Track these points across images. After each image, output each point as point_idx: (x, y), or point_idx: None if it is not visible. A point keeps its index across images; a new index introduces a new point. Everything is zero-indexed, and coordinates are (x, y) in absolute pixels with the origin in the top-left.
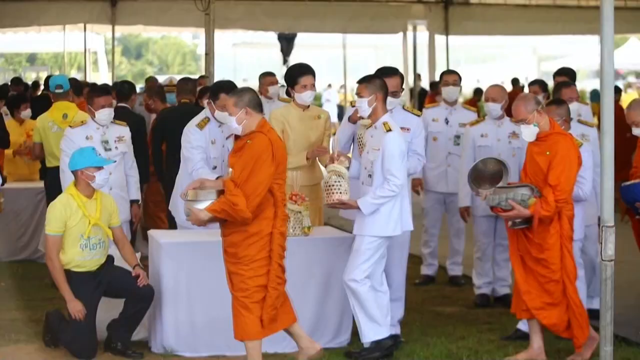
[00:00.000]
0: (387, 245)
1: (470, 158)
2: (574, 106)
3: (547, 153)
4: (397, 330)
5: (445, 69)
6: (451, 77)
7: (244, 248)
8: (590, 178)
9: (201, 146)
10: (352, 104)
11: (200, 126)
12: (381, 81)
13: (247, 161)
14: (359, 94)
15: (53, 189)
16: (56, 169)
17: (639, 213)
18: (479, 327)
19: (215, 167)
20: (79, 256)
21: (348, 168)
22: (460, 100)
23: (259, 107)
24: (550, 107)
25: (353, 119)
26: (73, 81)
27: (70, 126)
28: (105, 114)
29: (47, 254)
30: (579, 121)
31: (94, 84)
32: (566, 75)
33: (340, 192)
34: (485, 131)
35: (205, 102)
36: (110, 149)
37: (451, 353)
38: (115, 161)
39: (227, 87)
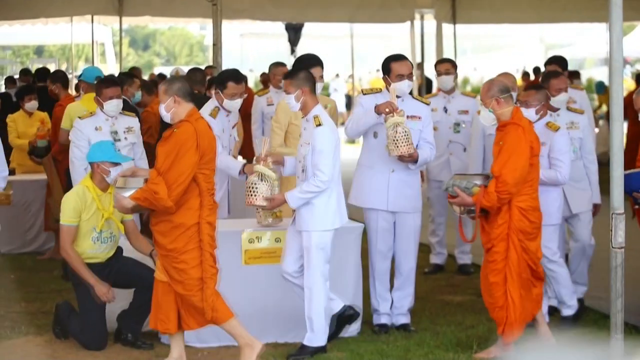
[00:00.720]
0: (380, 235)
1: (480, 147)
2: (562, 97)
3: (500, 143)
4: (407, 320)
5: (452, 58)
6: (443, 66)
7: (172, 240)
8: (567, 162)
9: (217, 135)
10: (364, 92)
11: (213, 115)
12: (305, 74)
13: (171, 150)
14: (285, 91)
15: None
16: None
17: (638, 203)
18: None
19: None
20: (90, 249)
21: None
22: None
23: (188, 96)
24: (530, 91)
25: (379, 110)
26: (61, 74)
27: (79, 117)
28: (114, 105)
29: (61, 245)
30: (569, 109)
31: (100, 79)
32: (557, 64)
33: (256, 195)
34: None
35: (212, 91)
36: (119, 140)
37: (461, 342)
38: (132, 159)
39: (234, 75)
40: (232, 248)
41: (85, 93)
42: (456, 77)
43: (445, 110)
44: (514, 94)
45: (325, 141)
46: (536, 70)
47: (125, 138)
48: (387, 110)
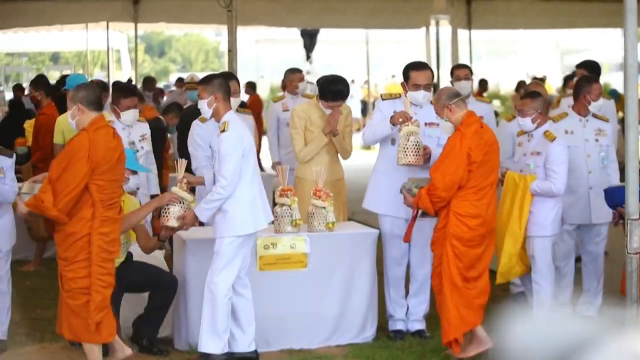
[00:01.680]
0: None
1: (508, 154)
2: (600, 102)
3: None
4: (422, 326)
5: (468, 63)
6: (463, 71)
7: (65, 248)
8: (563, 172)
9: (201, 144)
10: (383, 97)
11: (202, 120)
12: (220, 81)
13: (62, 159)
14: (199, 96)
15: None
16: None
17: (622, 217)
18: None
19: None
20: None
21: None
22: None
23: (93, 105)
24: (525, 100)
25: (393, 121)
26: (44, 80)
27: None
28: (131, 115)
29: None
30: (595, 115)
31: (116, 83)
32: (586, 68)
33: (168, 216)
34: (570, 127)
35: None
36: (137, 150)
37: None
38: (150, 170)
39: (228, 75)
40: None
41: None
42: (472, 82)
43: None
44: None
45: (227, 147)
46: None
47: (142, 147)
48: (400, 120)
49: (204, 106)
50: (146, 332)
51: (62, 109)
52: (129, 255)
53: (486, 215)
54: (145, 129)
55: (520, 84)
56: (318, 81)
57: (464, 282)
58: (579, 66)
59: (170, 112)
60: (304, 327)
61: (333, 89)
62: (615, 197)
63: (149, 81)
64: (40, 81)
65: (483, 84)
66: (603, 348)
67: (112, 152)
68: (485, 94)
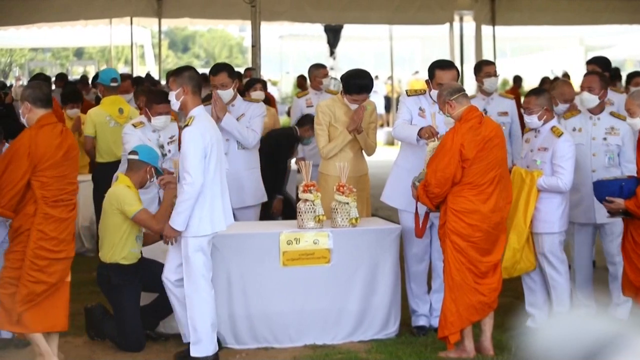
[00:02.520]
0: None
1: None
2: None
3: None
4: None
5: (492, 59)
6: (492, 67)
7: (11, 242)
8: (570, 168)
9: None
10: (409, 93)
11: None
12: (190, 73)
13: (5, 156)
14: (169, 87)
15: (102, 184)
16: (107, 165)
17: (609, 211)
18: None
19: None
20: (133, 247)
21: None
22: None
23: (40, 102)
24: (530, 97)
25: (421, 135)
26: (42, 76)
27: (134, 125)
28: (162, 121)
29: (149, 227)
30: (611, 113)
31: (150, 88)
32: (596, 64)
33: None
34: (578, 125)
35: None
36: (165, 154)
37: (500, 343)
38: (173, 173)
39: (212, 68)
40: (271, 249)
41: (104, 96)
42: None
43: (485, 112)
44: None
45: (188, 142)
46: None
47: (169, 150)
48: (427, 135)
49: (172, 98)
50: (148, 322)
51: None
52: (140, 252)
53: (485, 211)
54: (174, 130)
55: (545, 80)
56: (342, 76)
57: (471, 278)
58: (589, 62)
59: None
60: (327, 323)
61: (358, 83)
62: (603, 190)
63: None
64: (39, 77)
65: (517, 80)
66: (631, 348)
67: (56, 150)
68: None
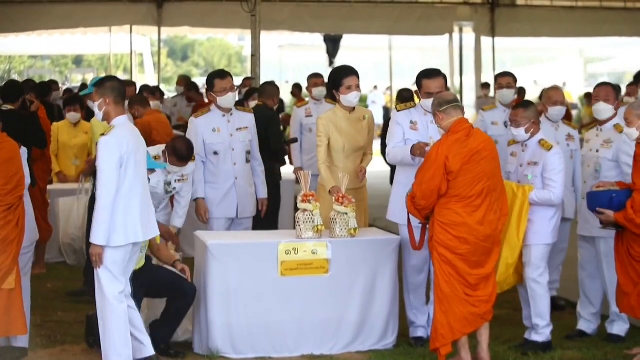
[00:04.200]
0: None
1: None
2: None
3: None
4: None
5: (491, 71)
6: (505, 79)
7: None
8: (561, 181)
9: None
10: (398, 108)
11: (197, 115)
12: (113, 83)
13: None
14: (92, 99)
15: None
16: None
17: (602, 222)
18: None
19: (216, 153)
20: None
21: None
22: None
23: None
24: (517, 110)
25: (413, 153)
26: (32, 83)
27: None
28: (176, 170)
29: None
30: (615, 126)
31: (179, 141)
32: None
33: None
34: (588, 137)
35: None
36: (170, 192)
37: (498, 355)
38: (166, 166)
39: (219, 73)
40: (269, 259)
41: None
42: (516, 90)
43: (506, 124)
44: (551, 108)
45: (101, 152)
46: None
47: (174, 188)
48: (419, 153)
49: (95, 109)
50: (161, 336)
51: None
52: (148, 259)
53: (473, 224)
54: (189, 169)
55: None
56: (328, 79)
57: (461, 290)
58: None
59: None
60: (325, 333)
61: (342, 70)
62: (594, 201)
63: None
64: (29, 84)
65: (522, 92)
66: None
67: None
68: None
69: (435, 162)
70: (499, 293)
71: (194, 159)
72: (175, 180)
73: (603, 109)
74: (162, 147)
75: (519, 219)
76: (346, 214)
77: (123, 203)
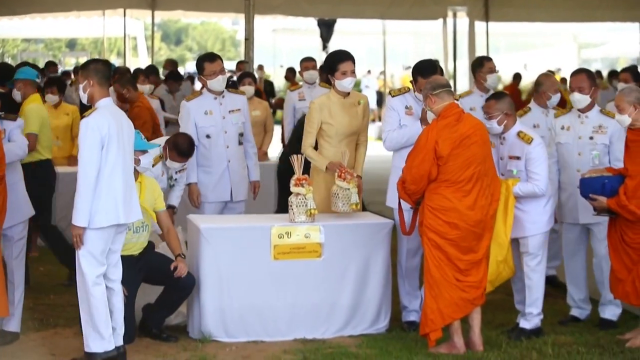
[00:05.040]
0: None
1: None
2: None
3: None
4: None
5: (485, 55)
6: (492, 63)
7: None
8: (545, 172)
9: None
10: (393, 94)
11: (188, 98)
12: (96, 65)
13: None
14: (79, 81)
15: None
16: (49, 161)
17: (595, 208)
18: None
19: (208, 136)
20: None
21: None
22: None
23: None
24: (489, 102)
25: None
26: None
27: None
28: (176, 166)
29: None
30: (601, 111)
31: (181, 137)
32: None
33: None
34: (567, 123)
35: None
36: (172, 185)
37: (490, 340)
38: (159, 145)
39: (208, 56)
40: (262, 243)
41: (29, 93)
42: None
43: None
44: (554, 96)
45: (84, 134)
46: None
47: (176, 180)
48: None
49: (80, 91)
50: (154, 321)
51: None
52: (150, 244)
53: (463, 209)
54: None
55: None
56: (323, 63)
57: (451, 275)
58: (623, 70)
59: None
60: (318, 317)
61: (337, 54)
62: (587, 188)
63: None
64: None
65: (517, 77)
66: None
67: None
68: (500, 87)
69: (425, 146)
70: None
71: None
72: (177, 172)
73: (577, 99)
74: (162, 141)
75: (505, 214)
76: (348, 189)
77: (105, 185)
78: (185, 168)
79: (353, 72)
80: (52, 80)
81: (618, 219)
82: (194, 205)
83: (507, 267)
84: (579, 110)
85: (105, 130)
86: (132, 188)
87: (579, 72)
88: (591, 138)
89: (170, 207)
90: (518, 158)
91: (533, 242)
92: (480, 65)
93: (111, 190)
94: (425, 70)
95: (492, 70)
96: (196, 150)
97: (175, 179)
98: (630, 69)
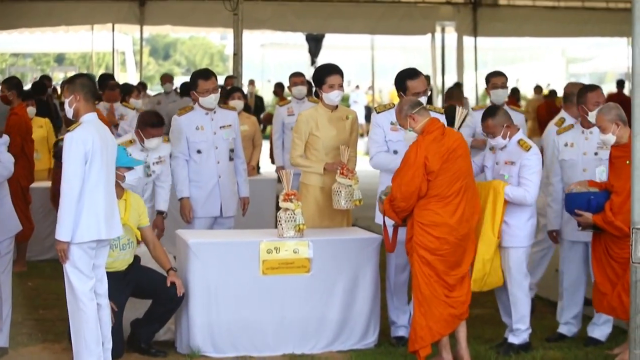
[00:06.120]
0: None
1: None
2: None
3: None
4: None
5: (473, 70)
6: (500, 79)
7: None
8: (536, 182)
9: (176, 138)
10: (378, 110)
11: (180, 113)
12: (82, 80)
13: None
14: (64, 96)
15: None
16: None
17: (580, 224)
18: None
19: (199, 151)
20: (109, 257)
21: None
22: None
23: None
24: (486, 122)
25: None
26: (16, 80)
27: (120, 144)
28: (154, 143)
29: None
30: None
31: (146, 113)
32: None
33: None
34: (571, 140)
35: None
36: (150, 175)
37: (479, 355)
38: (144, 162)
39: (203, 73)
40: (250, 258)
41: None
42: (507, 90)
43: None
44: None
45: (68, 148)
46: (620, 83)
47: (154, 171)
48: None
49: (66, 106)
50: (143, 336)
51: (43, 112)
52: (137, 258)
53: (453, 223)
54: (163, 150)
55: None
56: (312, 76)
57: (441, 292)
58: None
59: None
60: (306, 332)
61: (325, 68)
62: (572, 203)
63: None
64: (12, 82)
65: (515, 92)
66: None
67: None
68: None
69: (414, 162)
70: (480, 292)
71: (167, 140)
72: (154, 163)
73: (592, 115)
74: (131, 134)
75: (493, 213)
76: (350, 185)
77: (87, 200)
78: (162, 160)
79: (340, 86)
80: (28, 95)
81: (602, 233)
82: (186, 220)
83: (494, 273)
84: (581, 125)
85: (90, 145)
86: (113, 204)
87: (595, 88)
88: (596, 154)
89: (159, 213)
90: (513, 163)
91: (514, 257)
92: (487, 82)
93: (93, 206)
94: (412, 73)
95: (496, 85)
96: (187, 166)
97: (154, 171)
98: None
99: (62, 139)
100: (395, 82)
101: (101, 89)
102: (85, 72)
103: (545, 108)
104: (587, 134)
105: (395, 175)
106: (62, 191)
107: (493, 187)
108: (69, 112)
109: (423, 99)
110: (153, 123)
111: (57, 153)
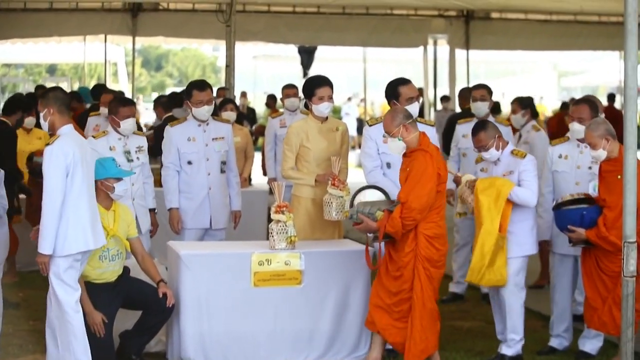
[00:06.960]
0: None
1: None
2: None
3: (407, 169)
4: None
5: (465, 83)
6: (479, 92)
7: None
8: (536, 184)
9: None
10: (370, 123)
11: (172, 124)
12: (56, 93)
13: None
14: (39, 109)
15: None
16: None
17: (571, 240)
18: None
19: (190, 162)
20: (99, 268)
21: None
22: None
23: None
24: (479, 136)
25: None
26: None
27: (94, 137)
28: (130, 123)
29: None
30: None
31: (114, 98)
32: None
33: None
34: (565, 152)
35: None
36: (132, 160)
37: None
38: (135, 172)
39: (199, 84)
40: (242, 270)
41: None
42: (491, 103)
43: None
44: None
45: (48, 161)
46: (610, 96)
47: (137, 158)
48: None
49: (41, 119)
50: (133, 347)
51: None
52: (126, 269)
53: (445, 234)
54: (142, 141)
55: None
56: (302, 88)
57: (435, 304)
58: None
59: None
60: (298, 344)
61: (316, 79)
62: (564, 219)
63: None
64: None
65: (496, 106)
66: None
67: None
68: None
69: (432, 174)
70: (476, 305)
71: (142, 133)
72: (135, 151)
73: (577, 130)
74: (107, 126)
75: (495, 207)
76: (342, 197)
77: (72, 211)
78: (142, 149)
79: (330, 98)
80: (29, 105)
81: (593, 247)
82: (175, 231)
83: (497, 271)
84: (578, 140)
85: (71, 157)
86: (96, 214)
87: (580, 102)
88: (590, 168)
89: (151, 210)
90: (511, 172)
91: (513, 266)
92: (469, 94)
93: (78, 217)
94: (403, 79)
95: (476, 98)
96: (178, 177)
97: (138, 157)
98: (519, 99)
99: (35, 153)
100: (387, 90)
101: (95, 98)
102: (77, 83)
103: (556, 121)
104: (582, 147)
105: (410, 188)
106: (43, 204)
107: (497, 184)
108: (44, 126)
109: (416, 105)
110: (124, 102)
111: (34, 169)
